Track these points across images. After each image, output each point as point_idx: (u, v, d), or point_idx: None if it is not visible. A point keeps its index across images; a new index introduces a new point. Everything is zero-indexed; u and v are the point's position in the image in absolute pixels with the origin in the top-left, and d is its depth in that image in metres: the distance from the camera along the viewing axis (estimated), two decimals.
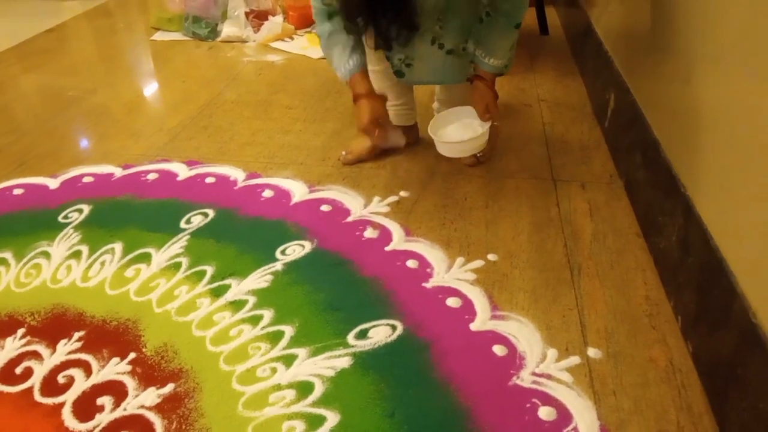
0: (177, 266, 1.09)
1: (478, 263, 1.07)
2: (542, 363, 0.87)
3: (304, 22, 2.35)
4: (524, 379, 0.85)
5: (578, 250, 1.10)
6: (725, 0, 0.88)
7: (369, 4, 1.14)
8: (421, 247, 1.12)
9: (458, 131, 1.29)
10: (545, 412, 0.80)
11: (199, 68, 2.01)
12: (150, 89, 1.89)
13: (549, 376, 0.85)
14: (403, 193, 1.28)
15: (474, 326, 0.94)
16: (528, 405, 0.81)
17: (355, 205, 1.25)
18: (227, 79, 1.90)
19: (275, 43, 2.20)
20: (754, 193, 0.76)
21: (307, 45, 2.18)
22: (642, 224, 1.15)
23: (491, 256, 1.09)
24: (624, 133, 1.34)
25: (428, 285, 1.03)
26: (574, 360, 0.88)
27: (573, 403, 0.81)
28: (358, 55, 1.24)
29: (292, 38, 2.26)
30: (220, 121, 1.62)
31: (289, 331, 0.94)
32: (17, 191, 1.33)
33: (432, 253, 1.10)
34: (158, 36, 2.29)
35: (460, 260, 1.08)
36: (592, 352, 0.89)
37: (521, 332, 0.92)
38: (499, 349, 0.89)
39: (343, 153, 1.41)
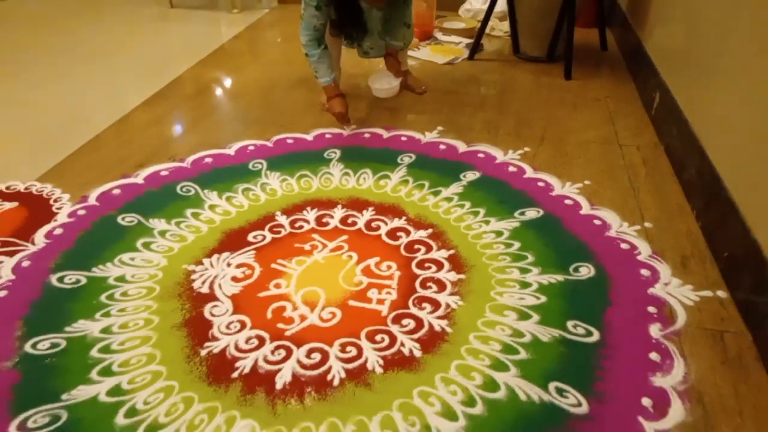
0: (406, 182, 1.92)
1: (580, 185, 1.88)
2: (620, 227, 1.68)
3: (425, 36, 3.19)
4: (612, 233, 1.66)
5: (638, 182, 1.90)
6: (734, 24, 1.69)
7: (345, 25, 2.19)
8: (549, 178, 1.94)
9: (384, 83, 2.49)
10: (624, 246, 1.61)
11: (360, 66, 2.85)
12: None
13: (624, 233, 1.66)
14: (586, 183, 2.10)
15: (582, 211, 1.75)
16: (615, 243, 1.62)
17: (556, 184, 2.05)
18: None
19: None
20: (756, 136, 1.57)
21: (431, 54, 3.01)
22: (675, 169, 1.95)
23: (587, 182, 1.90)
24: (664, 118, 2.13)
25: (553, 194, 1.84)
26: (637, 227, 1.68)
27: (639, 244, 1.61)
28: (334, 71, 2.18)
29: (417, 48, 3.09)
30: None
31: (530, 257, 1.76)
32: (289, 141, 2.18)
33: (553, 181, 1.92)
34: None
35: (568, 183, 1.89)
36: (648, 224, 1.69)
37: (608, 215, 1.73)
38: (597, 222, 1.70)
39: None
